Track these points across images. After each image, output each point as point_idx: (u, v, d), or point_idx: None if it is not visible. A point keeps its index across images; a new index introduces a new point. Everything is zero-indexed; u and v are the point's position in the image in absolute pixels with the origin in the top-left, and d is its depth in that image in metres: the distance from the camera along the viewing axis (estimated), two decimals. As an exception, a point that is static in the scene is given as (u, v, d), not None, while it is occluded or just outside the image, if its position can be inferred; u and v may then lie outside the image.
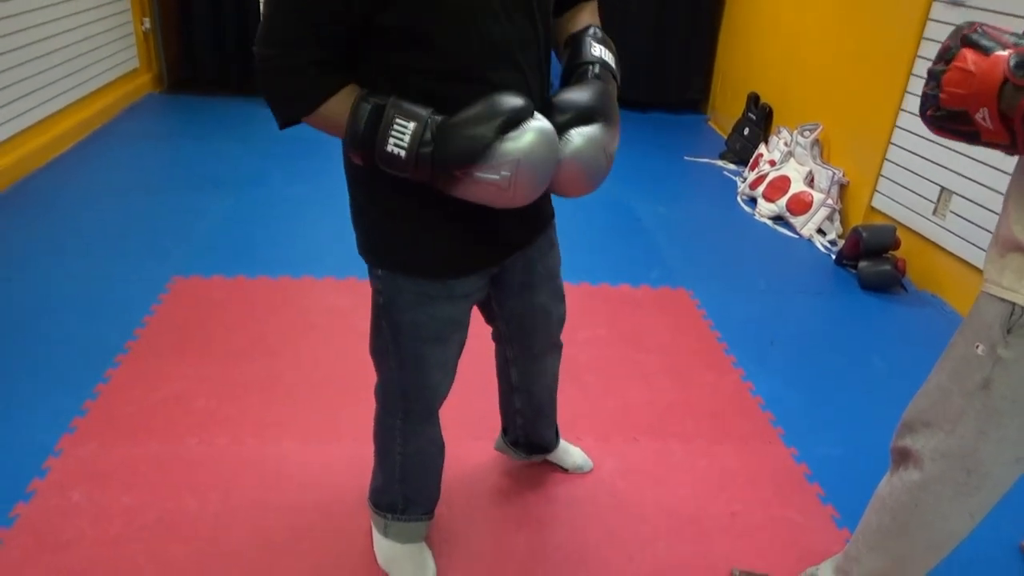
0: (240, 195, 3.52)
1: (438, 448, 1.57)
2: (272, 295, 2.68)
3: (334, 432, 2.04)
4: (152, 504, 1.76)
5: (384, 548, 1.63)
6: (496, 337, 1.65)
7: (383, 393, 1.49)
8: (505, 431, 1.86)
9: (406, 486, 1.57)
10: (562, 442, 1.92)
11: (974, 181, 2.80)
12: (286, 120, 1.18)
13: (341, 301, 2.67)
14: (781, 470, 2.03)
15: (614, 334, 2.58)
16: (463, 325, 1.41)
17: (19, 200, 3.32)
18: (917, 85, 3.09)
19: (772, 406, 2.28)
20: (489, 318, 1.59)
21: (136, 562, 1.62)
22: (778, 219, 3.68)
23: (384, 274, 1.32)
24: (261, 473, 1.88)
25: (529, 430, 1.80)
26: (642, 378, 2.37)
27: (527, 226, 1.39)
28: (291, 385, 2.21)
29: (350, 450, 1.96)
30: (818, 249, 3.42)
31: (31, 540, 1.65)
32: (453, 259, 1.30)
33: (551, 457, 1.92)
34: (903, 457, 1.36)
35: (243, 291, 2.69)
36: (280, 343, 2.41)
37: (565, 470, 1.94)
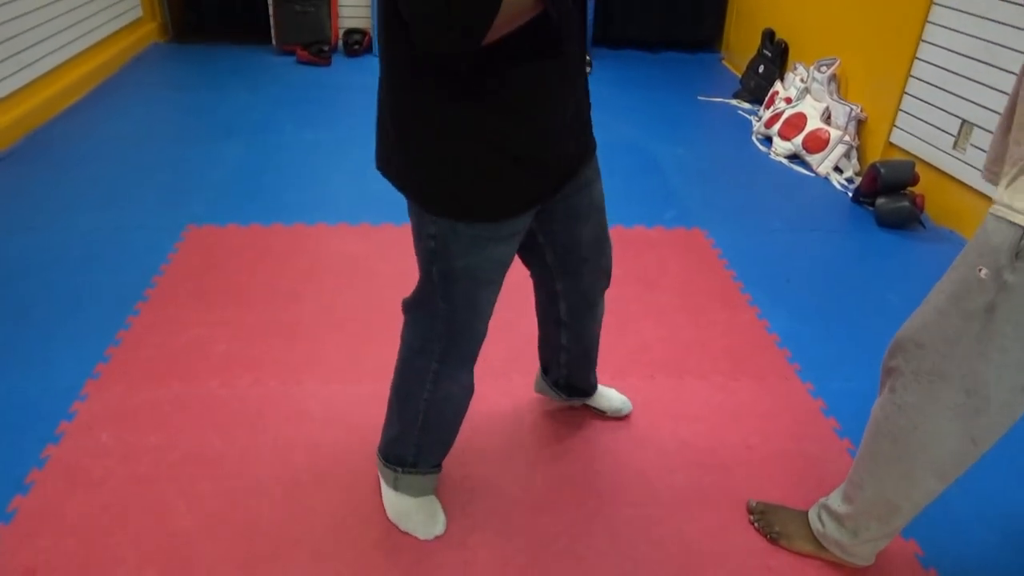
0: (251, 143, 3.51)
1: (468, 394, 1.54)
2: (287, 242, 2.69)
3: (355, 372, 2.06)
4: (178, 443, 1.80)
5: (393, 501, 1.62)
6: (539, 273, 1.62)
7: (420, 336, 1.45)
8: (546, 371, 1.85)
9: (425, 435, 1.54)
10: (599, 386, 1.91)
11: (997, 112, 2.74)
12: (480, 29, 0.99)
13: (356, 246, 2.68)
14: (797, 404, 2.04)
15: (629, 274, 2.58)
16: (508, 266, 1.41)
17: (30, 153, 3.32)
18: (939, 15, 3.01)
19: (788, 342, 2.28)
20: (531, 253, 1.56)
21: (166, 498, 1.66)
22: (794, 157, 3.63)
23: (441, 222, 1.28)
24: (284, 412, 1.91)
25: (572, 370, 1.79)
26: (658, 317, 2.37)
27: (575, 155, 1.38)
28: (310, 328, 2.23)
29: (371, 389, 1.99)
30: (834, 187, 3.38)
31: (64, 479, 1.69)
32: (512, 199, 1.28)
33: (589, 402, 1.92)
34: (892, 377, 1.36)
35: (258, 238, 2.70)
36: (298, 288, 2.42)
37: (603, 413, 1.93)
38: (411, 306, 1.45)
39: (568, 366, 1.78)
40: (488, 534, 1.61)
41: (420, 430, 1.53)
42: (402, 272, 2.63)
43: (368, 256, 2.61)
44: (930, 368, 1.29)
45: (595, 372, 1.85)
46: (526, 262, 1.61)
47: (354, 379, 2.04)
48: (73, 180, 3.07)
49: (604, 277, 1.65)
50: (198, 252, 2.60)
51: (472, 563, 1.55)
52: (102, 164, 3.23)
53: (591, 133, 1.44)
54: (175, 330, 2.19)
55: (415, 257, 1.38)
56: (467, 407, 1.57)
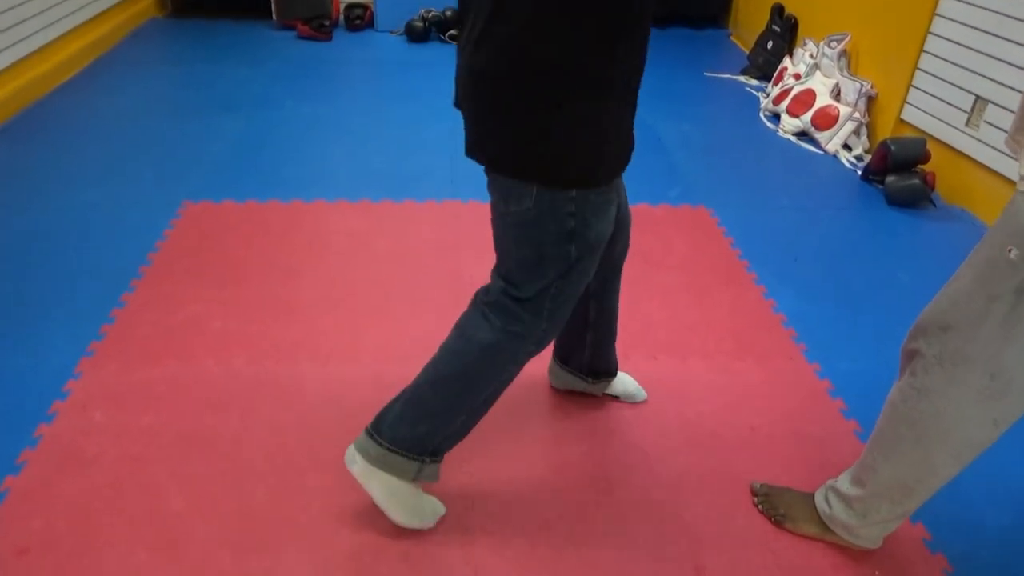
0: (250, 118, 3.45)
1: None
2: (285, 219, 2.64)
3: (352, 352, 2.03)
4: (172, 423, 1.77)
5: (404, 494, 1.50)
6: None
7: (523, 322, 1.37)
8: (566, 360, 1.80)
9: (471, 418, 1.47)
10: None
11: (1012, 88, 2.67)
12: None
13: (356, 223, 2.63)
14: (803, 385, 2.00)
15: (633, 253, 2.47)
16: None
17: (26, 127, 3.27)
18: (954, -13, 2.93)
19: (795, 322, 2.24)
20: None
21: (158, 478, 1.63)
22: (802, 135, 3.56)
23: (580, 194, 1.27)
24: (279, 393, 1.88)
25: (597, 349, 1.75)
26: (662, 296, 2.33)
27: None
28: (308, 307, 2.20)
29: (369, 369, 1.95)
30: (843, 165, 3.31)
31: (56, 459, 1.67)
32: (626, 151, 1.33)
33: (608, 389, 1.88)
34: (913, 361, 1.32)
35: (255, 215, 2.65)
36: (295, 266, 2.38)
37: (616, 398, 1.89)
38: (513, 294, 1.37)
39: (594, 345, 1.75)
40: (487, 517, 1.58)
41: (468, 414, 1.46)
42: (402, 249, 2.61)
43: (368, 233, 2.57)
44: (953, 351, 1.25)
45: (615, 350, 1.82)
46: None
47: (352, 358, 2.01)
48: (69, 156, 3.02)
49: (627, 242, 1.67)
50: (194, 228, 2.56)
51: (470, 545, 1.52)
52: (98, 140, 3.18)
53: None
54: (170, 308, 2.16)
55: (509, 248, 1.36)
56: None
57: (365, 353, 2.02)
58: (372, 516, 1.55)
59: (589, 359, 1.78)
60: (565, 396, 1.90)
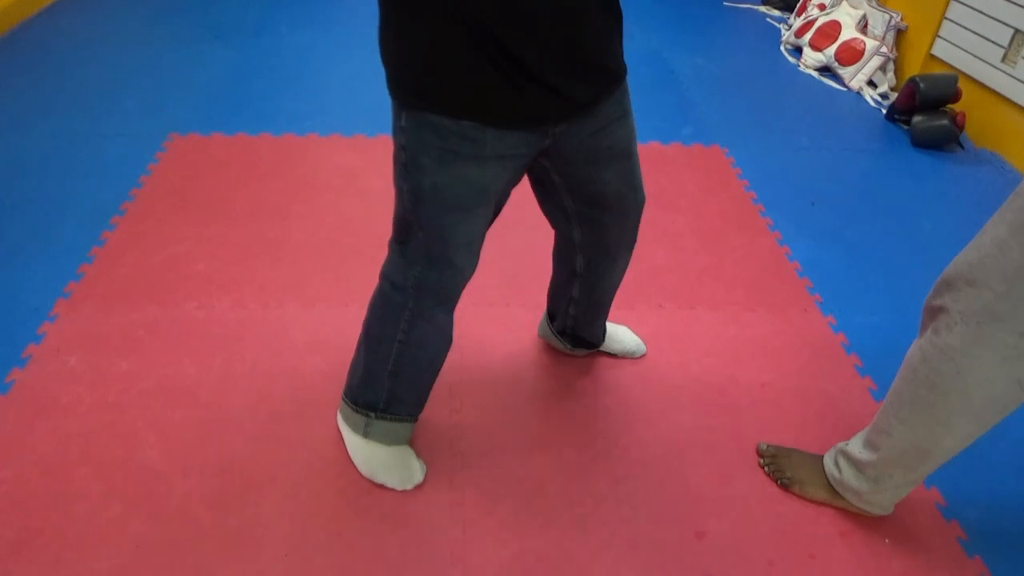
0: (242, 46, 3.28)
1: (446, 341, 1.40)
2: (275, 153, 2.51)
3: (340, 296, 1.93)
4: (151, 370, 1.69)
5: (364, 452, 1.47)
6: (555, 217, 1.44)
7: (397, 268, 1.30)
8: (552, 317, 1.70)
9: (397, 381, 1.40)
10: (609, 326, 1.75)
11: (1055, 21, 2.48)
12: None
13: (348, 160, 2.50)
14: (816, 339, 1.89)
15: (641, 194, 2.39)
16: (489, 197, 1.22)
17: (3, 54, 3.11)
18: (998, -92, 2.70)
19: (810, 271, 2.12)
20: (545, 192, 1.38)
21: (135, 427, 1.56)
22: (825, 70, 3.37)
23: (409, 123, 1.13)
24: (264, 338, 1.79)
25: (579, 322, 1.64)
26: (671, 241, 2.20)
27: (587, 81, 1.16)
28: (295, 248, 2.09)
29: (357, 313, 1.83)
30: (867, 103, 3.13)
31: (28, 406, 1.59)
32: (490, 96, 1.09)
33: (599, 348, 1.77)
34: (936, 318, 1.21)
35: (244, 149, 2.52)
36: (284, 204, 2.27)
37: (614, 356, 1.79)
38: (393, 237, 1.30)
39: (575, 319, 1.63)
40: (478, 474, 1.50)
41: (390, 375, 1.39)
42: (398, 188, 2.48)
43: (362, 170, 2.44)
44: (982, 308, 1.14)
45: (604, 324, 1.70)
46: (540, 201, 1.43)
47: (339, 302, 1.91)
48: (49, 85, 2.87)
49: (630, 233, 1.46)
50: (180, 163, 2.43)
51: (460, 504, 1.45)
52: (81, 67, 3.02)
53: (616, 54, 1.21)
54: (152, 247, 2.06)
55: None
56: (444, 357, 1.42)
57: (354, 298, 1.92)
58: (356, 471, 1.48)
59: (571, 328, 1.67)
60: (566, 353, 1.80)
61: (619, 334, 1.79)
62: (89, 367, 1.68)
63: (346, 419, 1.50)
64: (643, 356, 1.80)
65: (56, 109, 2.69)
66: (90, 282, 1.92)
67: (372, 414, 1.44)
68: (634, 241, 1.49)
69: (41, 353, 1.71)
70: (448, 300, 1.34)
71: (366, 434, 1.46)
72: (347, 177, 2.41)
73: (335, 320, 1.85)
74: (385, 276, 1.34)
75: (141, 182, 2.31)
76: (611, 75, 1.21)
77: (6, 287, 1.89)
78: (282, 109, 2.78)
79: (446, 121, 1.10)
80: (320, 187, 2.35)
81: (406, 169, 1.17)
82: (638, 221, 1.44)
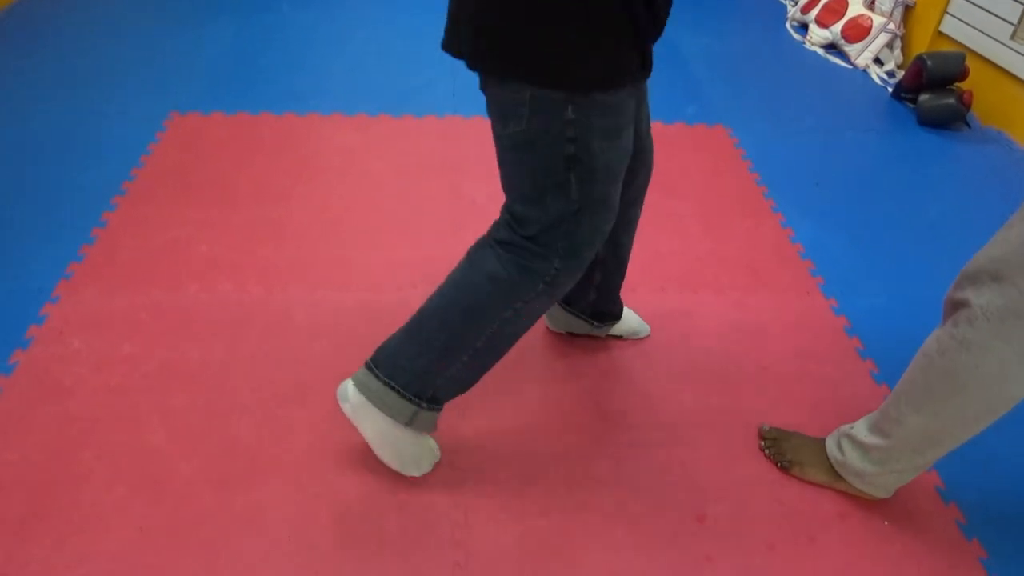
0: (244, 23, 3.25)
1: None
2: (277, 133, 2.50)
3: (345, 278, 1.93)
4: (154, 352, 1.69)
5: (399, 442, 1.40)
6: None
7: (534, 258, 1.22)
8: (569, 302, 1.67)
9: (474, 363, 1.32)
10: None
11: (1065, -2, 2.44)
12: None
13: (351, 139, 2.48)
14: (818, 322, 1.89)
15: (644, 175, 2.38)
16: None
17: (2, 30, 3.08)
18: None
19: (812, 254, 2.11)
20: None
21: (139, 411, 1.56)
22: (831, 47, 3.33)
23: (578, 113, 1.09)
24: (267, 321, 1.79)
25: (605, 290, 1.61)
26: (673, 224, 2.19)
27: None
28: (299, 230, 2.08)
29: (362, 296, 1.86)
30: (873, 81, 3.10)
31: (32, 387, 1.60)
32: (638, 57, 1.12)
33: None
34: (957, 311, 1.21)
35: (245, 129, 2.51)
36: (286, 185, 2.26)
37: (619, 336, 1.78)
38: (524, 239, 1.22)
39: (601, 287, 1.60)
40: (480, 456, 1.51)
41: (471, 355, 1.31)
42: (399, 169, 2.47)
43: (364, 151, 2.43)
44: (1004, 304, 1.13)
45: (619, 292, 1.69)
46: None
47: (344, 285, 1.91)
48: (46, 64, 2.85)
49: (649, 173, 1.50)
50: (181, 143, 2.42)
51: (461, 487, 1.46)
52: (79, 45, 2.99)
53: None
54: (154, 229, 2.05)
55: (510, 178, 1.21)
56: None
57: (357, 280, 1.92)
58: (362, 455, 1.48)
59: (595, 300, 1.65)
60: (563, 333, 1.80)
61: (626, 313, 1.79)
62: (92, 349, 1.69)
63: (383, 405, 1.34)
64: (647, 336, 1.79)
65: (54, 89, 2.68)
66: (92, 264, 1.92)
67: (424, 404, 1.35)
68: (648, 181, 1.51)
69: (44, 335, 1.72)
70: (572, 281, 1.29)
71: (409, 423, 1.36)
72: (349, 157, 2.39)
73: (339, 303, 1.85)
74: (511, 265, 1.24)
75: (142, 162, 2.30)
76: None
77: (8, 268, 1.89)
78: (283, 88, 2.76)
79: (609, 98, 1.11)
80: (322, 167, 2.34)
81: (575, 160, 1.13)
82: (652, 161, 1.49)
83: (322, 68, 2.93)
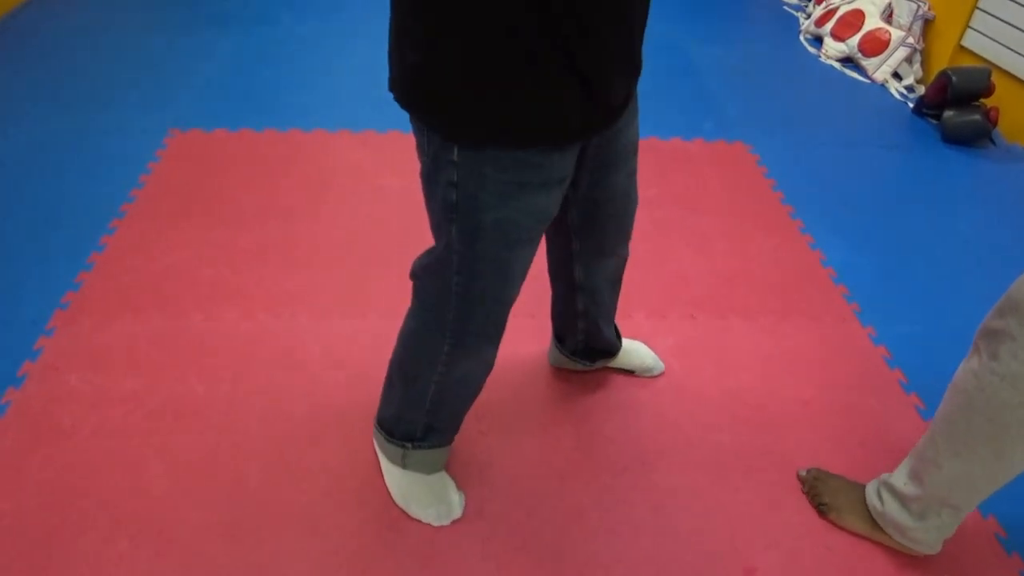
0: (245, 36, 3.14)
1: (488, 370, 1.28)
2: (282, 151, 2.40)
3: (357, 305, 1.82)
4: (156, 388, 1.59)
5: (401, 482, 1.38)
6: (555, 232, 1.32)
7: (433, 308, 1.17)
8: (561, 340, 1.59)
9: (435, 416, 1.30)
10: (624, 341, 1.65)
11: (1097, 12, 2.37)
12: None
13: (359, 157, 2.39)
14: (858, 352, 1.80)
15: (666, 194, 2.29)
16: (551, 220, 1.11)
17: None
18: None
19: (845, 277, 2.02)
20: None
21: (142, 453, 1.46)
22: (847, 61, 3.25)
23: (464, 158, 0.97)
24: (276, 352, 1.69)
25: (592, 333, 1.52)
26: (699, 245, 2.10)
27: (631, 81, 1.06)
28: (307, 253, 1.98)
29: (376, 325, 1.75)
30: (892, 96, 3.02)
31: (26, 430, 1.49)
32: (563, 115, 0.96)
33: (614, 363, 1.66)
34: (994, 341, 1.11)
35: (249, 146, 2.41)
36: (293, 205, 2.15)
37: (632, 372, 1.68)
38: (422, 272, 1.17)
39: (586, 331, 1.51)
40: (510, 504, 1.41)
41: (428, 412, 1.29)
42: (412, 188, 2.35)
43: (374, 168, 2.33)
44: None
45: (616, 327, 1.59)
46: None
47: (357, 313, 1.81)
48: (40, 78, 2.73)
49: (629, 228, 1.36)
50: (183, 161, 2.32)
51: (491, 538, 1.35)
52: (74, 59, 2.88)
53: (640, 55, 1.10)
54: (156, 252, 1.95)
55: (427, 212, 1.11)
56: (485, 381, 1.31)
57: (373, 306, 1.82)
58: (383, 501, 1.38)
59: (583, 344, 1.55)
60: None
61: (637, 348, 1.69)
62: (90, 386, 1.58)
63: (382, 448, 1.41)
64: (661, 374, 1.69)
65: (49, 104, 2.56)
66: (89, 292, 1.81)
67: (409, 444, 1.35)
68: (631, 233, 1.38)
69: (38, 371, 1.61)
70: (497, 336, 1.23)
71: (404, 465, 1.38)
72: (358, 176, 2.30)
73: (352, 331, 1.75)
74: (417, 315, 1.22)
75: (142, 182, 2.20)
76: (640, 71, 1.11)
77: (0, 298, 1.78)
78: (287, 103, 2.66)
79: (513, 153, 0.97)
80: (331, 187, 2.24)
81: (457, 208, 1.02)
82: (632, 227, 1.36)
83: (326, 82, 2.83)
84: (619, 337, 1.61)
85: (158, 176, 2.23)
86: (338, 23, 3.30)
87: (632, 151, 1.22)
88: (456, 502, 1.38)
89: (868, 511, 1.39)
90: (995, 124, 2.67)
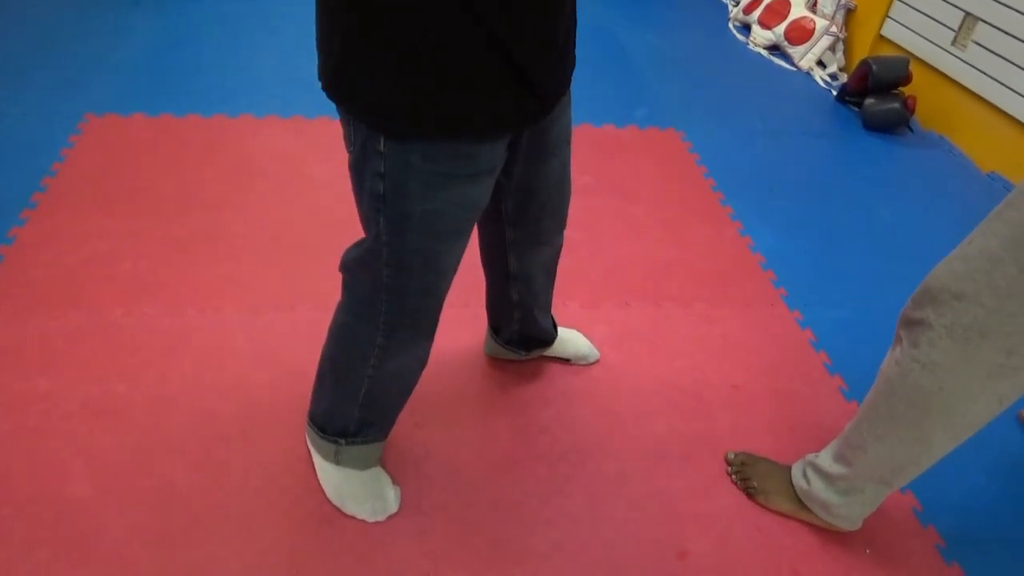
0: (163, 14, 3.01)
1: (422, 364, 1.27)
2: (206, 137, 2.31)
3: (287, 298, 1.78)
4: (75, 388, 1.51)
5: (335, 478, 1.36)
6: (489, 222, 1.31)
7: (363, 302, 1.15)
8: (497, 330, 1.58)
9: (368, 410, 1.28)
10: (560, 330, 1.65)
11: (1005, 5, 2.48)
12: None
13: (288, 143, 2.32)
14: (785, 336, 1.85)
15: (601, 183, 2.30)
16: (480, 213, 1.09)
17: None
18: None
19: (774, 263, 2.07)
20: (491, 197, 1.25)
21: (60, 456, 1.39)
22: (774, 48, 3.33)
23: (391, 148, 0.95)
24: (203, 348, 1.63)
25: (527, 322, 1.51)
26: (633, 233, 2.12)
27: (565, 73, 1.06)
28: (234, 244, 1.92)
29: (309, 316, 1.71)
30: (817, 84, 3.11)
31: (-69, 435, 1.40)
32: (493, 106, 0.94)
33: (549, 352, 1.66)
34: (915, 331, 1.16)
35: (170, 132, 2.31)
36: (219, 194, 2.08)
37: (567, 361, 1.69)
38: (352, 264, 1.14)
39: (521, 322, 1.51)
40: (447, 497, 1.40)
41: (361, 406, 1.27)
42: (343, 177, 2.30)
43: (302, 155, 2.27)
44: (969, 323, 1.09)
45: (552, 316, 1.59)
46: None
47: (287, 306, 1.76)
48: (-56, 54, 2.58)
49: (563, 217, 1.36)
50: (98, 147, 2.21)
51: (429, 532, 1.34)
52: (-20, 35, 2.72)
53: (574, 46, 1.10)
54: (71, 245, 1.85)
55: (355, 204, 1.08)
56: (420, 376, 1.29)
57: (304, 299, 1.78)
58: (316, 498, 1.36)
59: (518, 334, 1.55)
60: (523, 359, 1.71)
61: (572, 337, 1.70)
62: (3, 387, 1.50)
63: (315, 444, 1.38)
64: (597, 362, 1.71)
65: (-49, 85, 2.41)
66: (0, 287, 1.72)
67: (342, 441, 1.32)
68: (566, 221, 1.38)
69: (-56, 372, 1.52)
70: (430, 330, 1.21)
71: (338, 461, 1.35)
72: (287, 163, 2.23)
73: (283, 326, 1.70)
74: (348, 309, 1.19)
75: (54, 170, 2.08)
76: (574, 62, 1.11)
77: (-101, 295, 1.67)
78: (211, 87, 2.57)
79: (441, 143, 0.95)
80: (258, 174, 2.17)
81: (385, 199, 1.00)
82: (566, 215, 1.36)
83: (253, 65, 2.74)
84: (555, 326, 1.61)
85: (72, 164, 2.12)
86: (262, 4, 3.19)
87: (565, 139, 1.21)
88: (392, 497, 1.36)
89: (794, 491, 1.43)
90: (913, 112, 2.77)
